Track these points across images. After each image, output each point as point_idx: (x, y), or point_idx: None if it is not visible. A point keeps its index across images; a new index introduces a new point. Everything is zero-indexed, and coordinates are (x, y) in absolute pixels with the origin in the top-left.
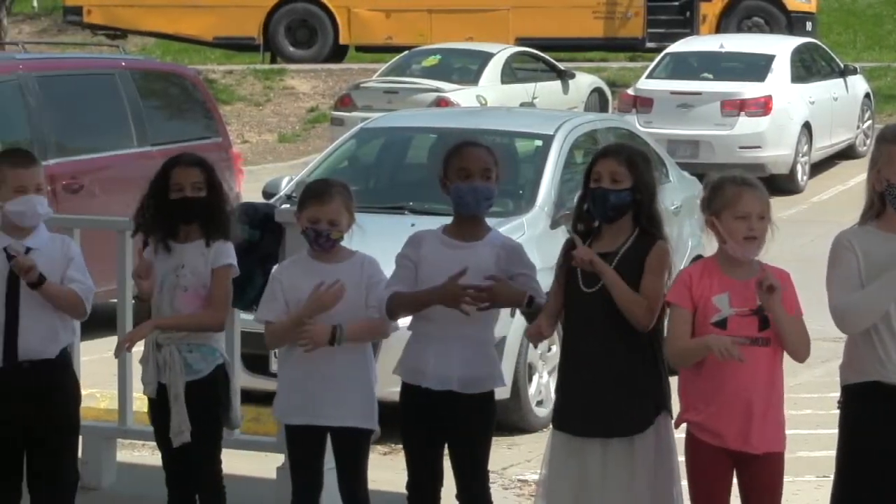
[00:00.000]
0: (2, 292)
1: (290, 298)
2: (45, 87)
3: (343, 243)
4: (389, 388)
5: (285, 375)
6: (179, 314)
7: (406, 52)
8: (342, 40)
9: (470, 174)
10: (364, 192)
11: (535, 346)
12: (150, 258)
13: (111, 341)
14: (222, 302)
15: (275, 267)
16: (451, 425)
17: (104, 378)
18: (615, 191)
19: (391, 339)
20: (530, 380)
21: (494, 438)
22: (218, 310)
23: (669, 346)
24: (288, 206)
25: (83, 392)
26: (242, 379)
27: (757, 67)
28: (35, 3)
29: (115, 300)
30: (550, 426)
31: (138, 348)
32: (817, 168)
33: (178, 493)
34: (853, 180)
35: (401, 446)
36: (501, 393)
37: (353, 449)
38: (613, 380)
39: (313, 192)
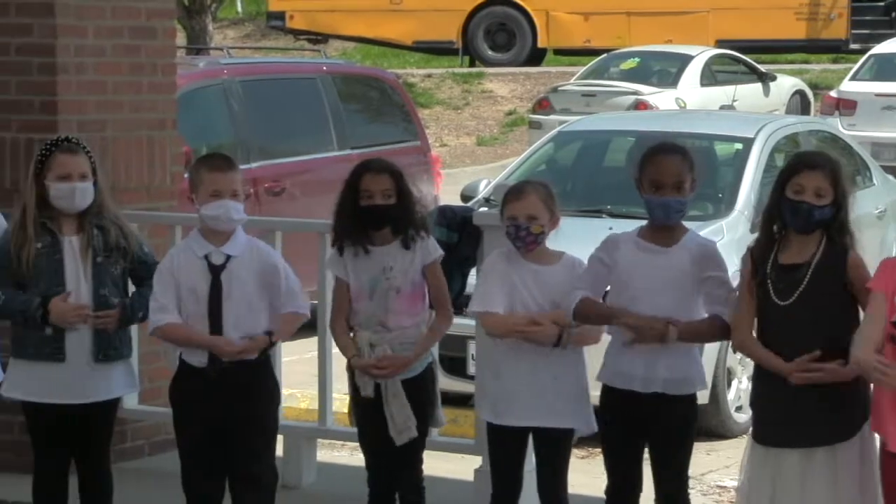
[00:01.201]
0: (205, 296)
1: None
2: (249, 92)
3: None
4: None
5: (487, 375)
6: (394, 313)
7: (604, 55)
8: (540, 43)
9: (661, 186)
10: (562, 196)
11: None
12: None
13: (312, 342)
14: (447, 297)
15: (487, 258)
16: (655, 427)
17: (305, 378)
18: (819, 207)
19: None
20: (729, 385)
21: (694, 444)
22: (447, 306)
23: (857, 336)
24: (486, 208)
25: (284, 392)
26: (441, 381)
27: None
28: (239, 9)
29: (316, 301)
30: (749, 432)
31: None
32: None
33: (379, 492)
34: None
35: (598, 451)
36: (701, 398)
37: (555, 449)
38: (816, 390)
39: (511, 190)
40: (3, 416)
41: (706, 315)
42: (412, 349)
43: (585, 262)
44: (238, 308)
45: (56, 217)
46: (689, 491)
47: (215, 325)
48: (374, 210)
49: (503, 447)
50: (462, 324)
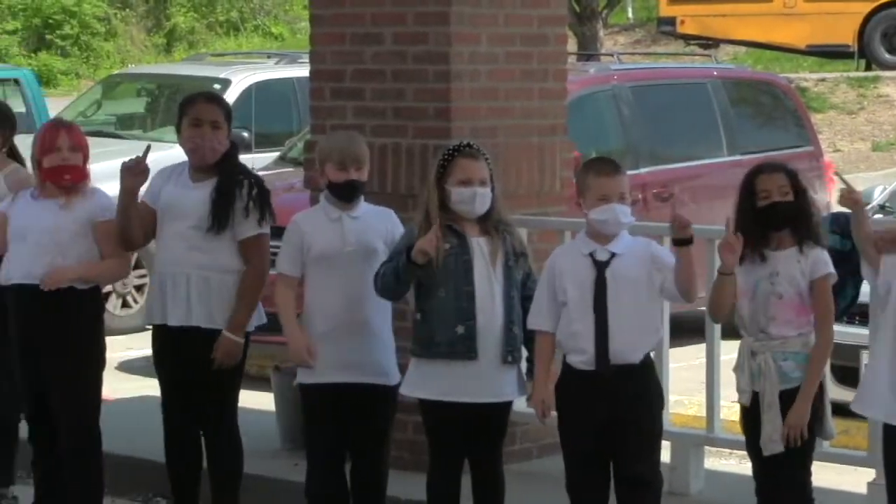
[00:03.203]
0: (590, 297)
1: None
2: (638, 97)
3: None
4: None
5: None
6: (775, 320)
7: None
8: None
9: None
10: None
11: None
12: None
13: (700, 349)
14: (827, 318)
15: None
16: None
17: (693, 385)
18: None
19: None
20: None
21: None
22: (825, 329)
23: None
24: (881, 215)
25: (671, 398)
26: (832, 391)
27: None
28: (630, 15)
29: (704, 308)
30: None
31: (730, 356)
32: None
33: (764, 500)
34: None
35: None
36: None
37: None
38: None
39: None
40: (399, 416)
41: None
42: (794, 360)
43: None
44: (623, 302)
45: (458, 220)
46: None
47: (600, 320)
48: (772, 208)
49: None
50: (854, 333)
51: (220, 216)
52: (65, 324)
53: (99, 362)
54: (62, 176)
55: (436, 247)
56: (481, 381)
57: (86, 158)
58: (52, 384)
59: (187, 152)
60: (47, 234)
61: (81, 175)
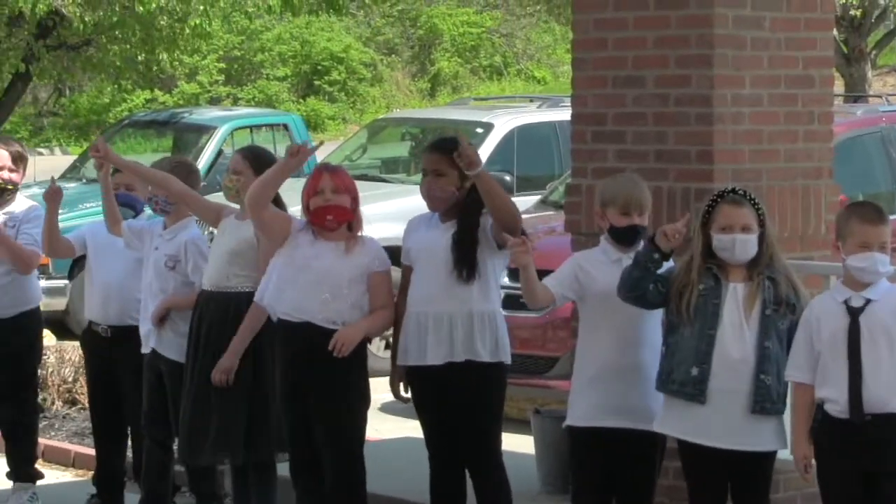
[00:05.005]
0: (843, 344)
1: None
2: None
3: None
4: None
5: None
6: None
7: None
8: None
9: None
10: None
11: None
12: None
13: None
14: None
15: None
16: None
17: None
18: None
19: None
20: None
21: None
22: None
23: None
24: None
25: None
26: None
27: None
28: None
29: None
30: None
31: None
32: None
33: None
34: None
35: None
36: None
37: None
38: None
39: None
40: (666, 462)
41: None
42: None
43: None
44: (878, 349)
45: (723, 264)
46: None
47: (854, 367)
48: None
49: None
50: None
51: (462, 259)
52: (332, 363)
53: (364, 402)
54: (325, 217)
55: (677, 235)
56: (722, 426)
57: (354, 201)
58: (320, 422)
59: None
60: (325, 275)
61: (345, 215)
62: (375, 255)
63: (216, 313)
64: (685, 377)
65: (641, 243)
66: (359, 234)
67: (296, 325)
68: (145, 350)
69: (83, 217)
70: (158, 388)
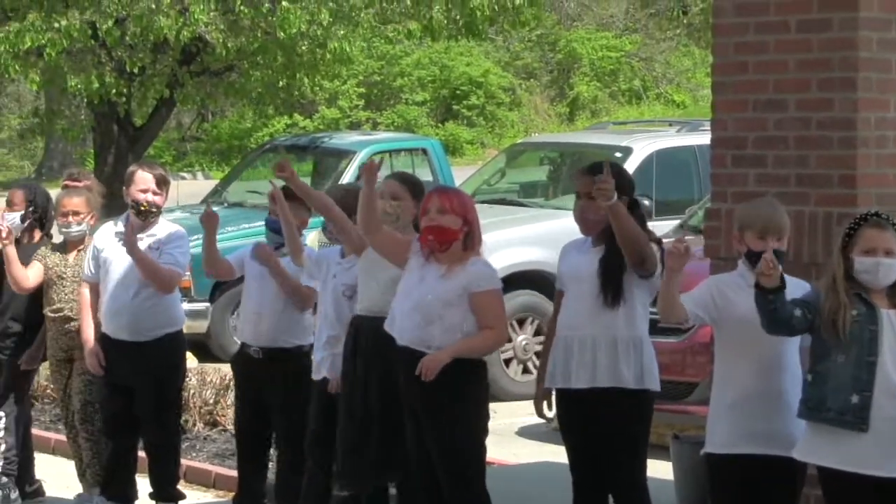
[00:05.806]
0: None
1: None
2: None
3: None
4: None
5: None
6: None
7: None
8: None
9: None
10: None
11: None
12: None
13: None
14: None
15: None
16: None
17: None
18: None
19: None
20: None
21: None
22: None
23: None
24: None
25: None
26: None
27: None
28: None
29: None
30: None
31: None
32: None
33: None
34: None
35: None
36: None
37: None
38: None
39: None
40: (806, 489)
41: None
42: None
43: None
44: None
45: (867, 290)
46: None
47: None
48: None
49: None
50: None
51: (608, 283)
52: (432, 387)
53: (476, 423)
54: (426, 237)
55: (772, 265)
56: (883, 454)
57: (466, 222)
58: (434, 447)
59: None
60: (420, 300)
61: (447, 235)
62: (477, 275)
63: (372, 339)
64: (844, 405)
65: (779, 268)
66: (472, 255)
67: (401, 350)
68: (316, 376)
69: (225, 240)
70: (328, 412)
